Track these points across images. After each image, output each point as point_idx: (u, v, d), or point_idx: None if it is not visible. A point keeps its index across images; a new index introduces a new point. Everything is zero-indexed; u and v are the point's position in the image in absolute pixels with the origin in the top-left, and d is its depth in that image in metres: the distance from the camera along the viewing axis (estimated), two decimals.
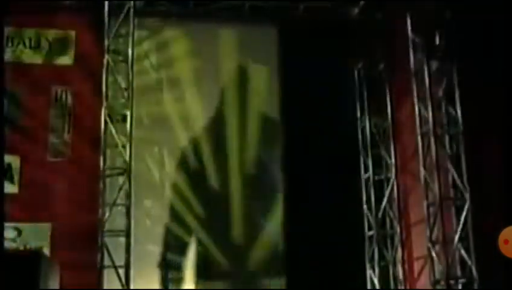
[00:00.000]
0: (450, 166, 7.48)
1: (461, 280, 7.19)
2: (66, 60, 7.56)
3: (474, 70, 7.22)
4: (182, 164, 8.14)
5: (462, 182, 7.36)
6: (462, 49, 7.33)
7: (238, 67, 8.34)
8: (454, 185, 7.47)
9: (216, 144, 8.21)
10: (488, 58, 6.99)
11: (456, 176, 7.42)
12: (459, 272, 7.24)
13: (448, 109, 7.62)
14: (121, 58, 7.60)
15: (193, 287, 7.61)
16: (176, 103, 8.18)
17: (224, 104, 8.25)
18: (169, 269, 7.78)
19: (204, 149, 8.18)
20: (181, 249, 7.91)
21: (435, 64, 7.57)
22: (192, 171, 8.16)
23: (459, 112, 7.49)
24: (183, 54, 8.22)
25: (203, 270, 7.89)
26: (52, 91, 7.55)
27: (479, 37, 7.14)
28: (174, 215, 8.05)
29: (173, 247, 7.90)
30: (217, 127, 8.27)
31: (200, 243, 7.96)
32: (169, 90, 8.15)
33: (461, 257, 7.27)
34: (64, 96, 7.55)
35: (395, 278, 8.32)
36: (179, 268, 7.83)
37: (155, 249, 7.90)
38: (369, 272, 8.40)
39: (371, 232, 8.51)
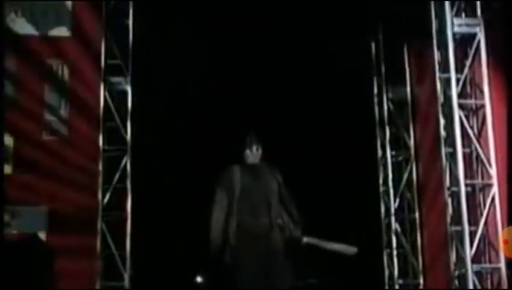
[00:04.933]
0: (475, 145, 7.35)
1: (486, 269, 7.11)
2: (62, 31, 7.46)
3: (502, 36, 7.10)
4: None
5: (488, 162, 7.23)
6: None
7: None
8: (480, 166, 7.37)
9: None
10: None
11: (482, 155, 7.29)
12: (484, 261, 7.16)
13: (474, 80, 7.44)
14: (120, 30, 7.57)
15: None
16: None
17: None
18: None
19: None
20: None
21: (459, 34, 7.42)
22: None
23: (486, 86, 7.33)
24: None
25: None
26: (47, 65, 7.46)
27: None
28: None
29: None
30: None
31: None
32: None
33: (486, 243, 7.18)
34: (60, 70, 7.46)
35: (414, 266, 8.28)
36: None
37: (158, 235, 7.93)
38: (386, 260, 8.41)
39: (387, 218, 8.48)
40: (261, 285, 5.69)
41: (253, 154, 6.01)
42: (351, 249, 6.13)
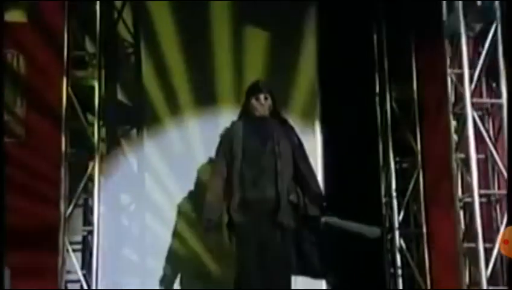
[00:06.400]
0: (491, 150, 6.99)
1: None
2: (17, 15, 7.08)
3: None
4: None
5: (507, 170, 6.79)
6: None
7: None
8: (496, 174, 7.07)
9: None
10: None
11: (499, 162, 6.92)
12: (501, 282, 6.80)
13: (489, 80, 7.17)
14: (87, 16, 7.12)
15: None
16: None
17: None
18: None
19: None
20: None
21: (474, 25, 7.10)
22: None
23: (503, 83, 6.94)
24: None
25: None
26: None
27: None
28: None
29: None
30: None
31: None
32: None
33: (503, 262, 6.82)
34: (16, 62, 7.12)
35: (421, 288, 7.87)
36: None
37: (131, 254, 7.43)
38: (389, 280, 8.02)
39: (391, 233, 8.08)
40: (259, 275, 5.12)
41: (261, 104, 5.26)
42: (375, 231, 5.83)
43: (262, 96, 5.32)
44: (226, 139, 5.35)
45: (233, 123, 5.40)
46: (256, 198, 5.15)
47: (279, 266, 5.20)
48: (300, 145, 5.52)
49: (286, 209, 5.19)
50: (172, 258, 7.26)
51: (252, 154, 5.18)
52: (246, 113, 5.40)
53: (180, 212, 7.41)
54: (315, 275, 5.79)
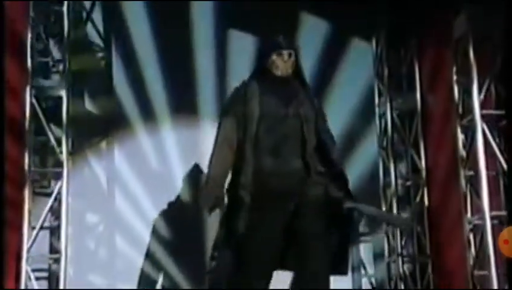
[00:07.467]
0: (502, 167, 6.70)
1: None
2: None
3: None
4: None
5: (507, 171, 6.61)
6: None
7: None
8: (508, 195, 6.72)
9: None
10: None
11: None
12: None
13: (499, 90, 6.85)
14: (53, 19, 6.78)
15: None
16: None
17: None
18: None
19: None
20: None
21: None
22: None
23: None
24: None
25: None
26: None
27: None
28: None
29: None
30: None
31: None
32: None
33: None
34: None
35: None
36: None
37: (99, 281, 7.00)
38: None
39: (393, 257, 7.70)
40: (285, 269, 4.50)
41: (284, 61, 4.59)
42: (408, 222, 5.88)
43: (286, 53, 4.62)
44: (238, 97, 4.56)
45: (244, 83, 4.62)
46: (277, 170, 4.45)
47: (319, 262, 4.50)
48: (323, 114, 4.80)
49: (315, 183, 4.49)
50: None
51: (272, 116, 4.49)
52: (263, 72, 4.67)
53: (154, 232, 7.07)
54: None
